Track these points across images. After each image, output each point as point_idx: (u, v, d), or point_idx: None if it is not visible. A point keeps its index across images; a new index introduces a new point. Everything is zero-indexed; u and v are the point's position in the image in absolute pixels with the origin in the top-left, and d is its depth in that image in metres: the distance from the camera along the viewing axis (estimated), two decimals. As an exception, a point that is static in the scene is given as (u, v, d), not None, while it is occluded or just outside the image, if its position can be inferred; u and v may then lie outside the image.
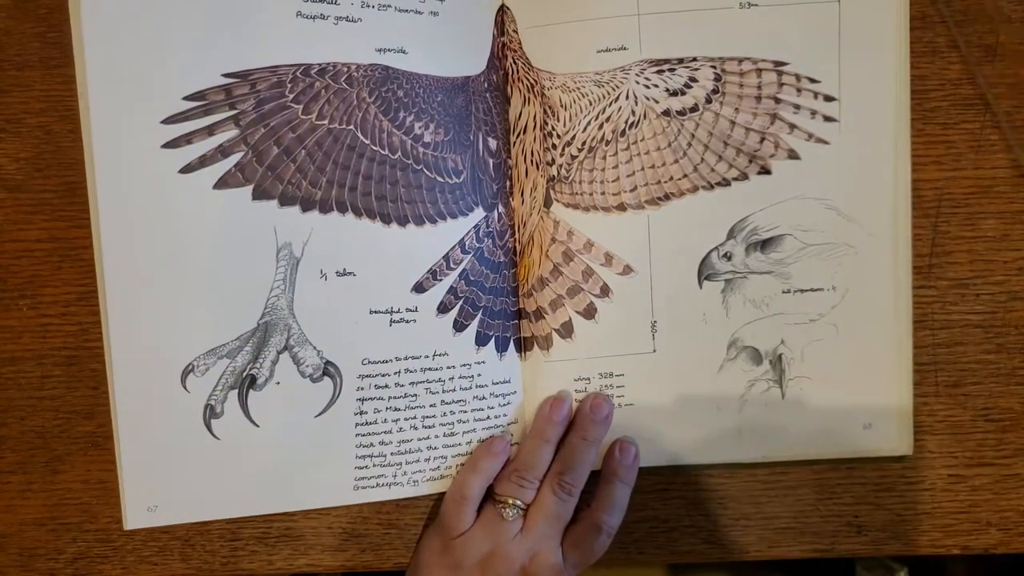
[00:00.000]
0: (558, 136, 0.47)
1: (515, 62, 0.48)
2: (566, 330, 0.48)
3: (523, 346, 0.49)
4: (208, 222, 0.43)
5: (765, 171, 0.47)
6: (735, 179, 0.47)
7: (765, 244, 0.47)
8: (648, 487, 0.49)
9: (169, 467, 0.44)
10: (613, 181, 0.47)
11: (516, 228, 0.49)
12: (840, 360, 0.48)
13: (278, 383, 0.45)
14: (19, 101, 0.47)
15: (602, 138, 0.47)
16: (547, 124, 0.47)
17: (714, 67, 0.46)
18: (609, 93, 0.46)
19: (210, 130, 0.42)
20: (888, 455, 0.48)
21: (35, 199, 0.47)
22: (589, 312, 0.48)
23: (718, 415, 0.48)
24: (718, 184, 0.47)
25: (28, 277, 0.47)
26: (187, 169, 0.42)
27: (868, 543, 0.49)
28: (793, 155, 0.47)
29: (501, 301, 0.48)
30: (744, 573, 0.55)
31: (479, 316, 0.48)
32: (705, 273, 0.48)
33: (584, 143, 0.47)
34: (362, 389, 0.46)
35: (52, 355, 0.48)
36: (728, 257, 0.47)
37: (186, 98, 0.42)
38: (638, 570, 0.56)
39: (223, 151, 0.43)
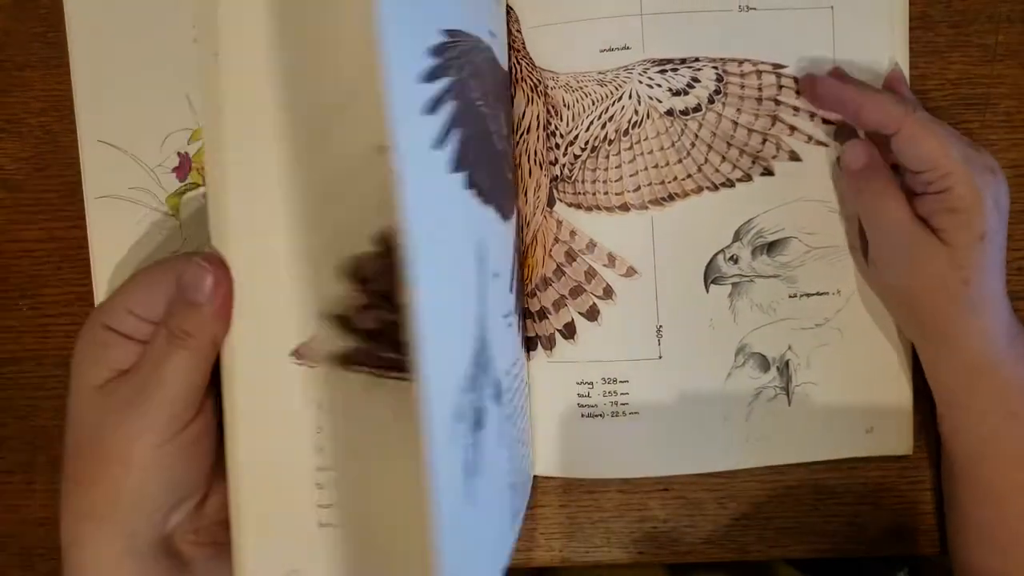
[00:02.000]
0: (561, 135, 0.47)
1: (519, 62, 0.47)
2: (568, 331, 0.48)
3: (527, 345, 0.49)
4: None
5: (768, 172, 0.47)
6: (739, 180, 0.47)
7: (771, 247, 0.47)
8: (648, 487, 0.49)
9: None
10: (616, 181, 0.47)
11: (521, 228, 0.49)
12: (844, 365, 0.47)
13: None
14: (19, 101, 0.47)
15: (605, 137, 0.47)
16: (550, 124, 0.47)
17: (716, 68, 0.46)
18: (612, 92, 0.46)
19: None
20: (888, 454, 0.48)
21: (35, 199, 0.47)
22: (592, 314, 0.47)
23: (725, 424, 0.47)
24: (723, 185, 0.47)
25: (28, 277, 0.47)
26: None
27: (868, 543, 0.49)
28: (795, 156, 0.47)
29: (505, 300, 0.48)
30: (744, 573, 0.55)
31: (483, 315, 0.48)
32: (712, 276, 0.47)
33: (587, 142, 0.47)
34: None
35: (52, 355, 0.47)
36: (735, 260, 0.47)
37: None
38: (638, 570, 0.56)
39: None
